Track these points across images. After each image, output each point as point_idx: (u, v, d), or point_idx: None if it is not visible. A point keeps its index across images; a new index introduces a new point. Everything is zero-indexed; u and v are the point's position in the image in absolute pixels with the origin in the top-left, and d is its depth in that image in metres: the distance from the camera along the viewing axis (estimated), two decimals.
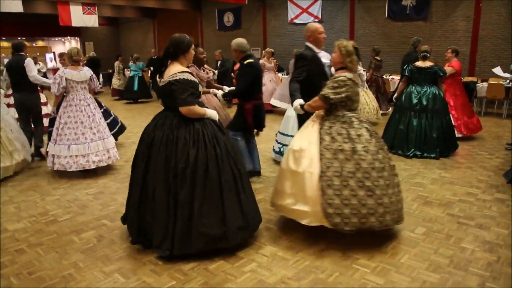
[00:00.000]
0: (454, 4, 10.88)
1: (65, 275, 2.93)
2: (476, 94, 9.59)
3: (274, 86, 9.78)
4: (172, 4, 16.20)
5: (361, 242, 3.34)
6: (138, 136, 3.34)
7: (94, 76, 5.43)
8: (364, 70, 8.57)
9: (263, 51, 10.72)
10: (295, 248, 3.27)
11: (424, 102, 5.90)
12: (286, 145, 5.26)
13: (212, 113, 3.24)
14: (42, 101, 7.43)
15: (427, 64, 5.98)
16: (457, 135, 6.44)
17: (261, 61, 10.09)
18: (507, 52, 10.19)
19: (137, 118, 9.82)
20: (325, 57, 4.06)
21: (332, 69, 3.73)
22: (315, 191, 3.14)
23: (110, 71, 15.92)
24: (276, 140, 5.72)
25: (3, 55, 13.13)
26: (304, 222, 3.27)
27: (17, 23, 18.30)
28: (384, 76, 10.26)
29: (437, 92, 5.93)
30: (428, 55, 6.01)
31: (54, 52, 20.90)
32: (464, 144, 6.57)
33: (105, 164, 5.26)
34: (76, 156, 5.04)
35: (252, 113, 4.62)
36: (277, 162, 5.44)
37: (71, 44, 22.80)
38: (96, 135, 5.19)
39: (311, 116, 3.54)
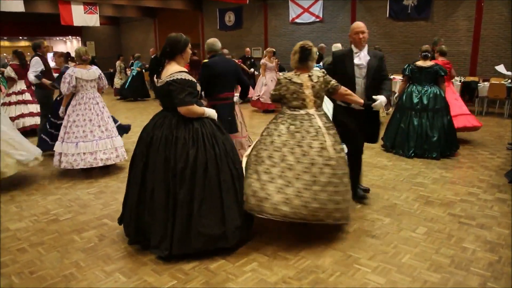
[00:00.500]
0: (456, 3, 10.86)
1: (66, 274, 2.94)
2: (477, 94, 9.57)
3: None
4: (173, 4, 16.22)
5: (362, 242, 3.34)
6: None
7: (103, 75, 5.46)
8: None
9: (264, 51, 10.72)
10: (296, 248, 3.27)
11: (425, 102, 5.90)
12: None
13: (211, 112, 3.24)
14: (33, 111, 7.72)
15: (428, 63, 5.98)
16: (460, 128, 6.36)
17: (262, 61, 10.10)
18: (508, 51, 10.16)
19: (138, 118, 9.82)
20: (361, 58, 3.92)
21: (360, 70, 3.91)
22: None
23: (112, 70, 15.94)
24: None
25: (4, 54, 13.13)
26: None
27: (18, 22, 18.34)
28: None
29: (437, 92, 5.92)
30: (429, 54, 6.01)
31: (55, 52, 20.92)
32: (465, 144, 6.56)
33: (113, 162, 5.26)
34: (84, 153, 5.05)
35: None
36: None
37: (72, 43, 22.83)
38: (104, 133, 5.21)
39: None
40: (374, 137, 4.22)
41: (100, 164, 5.13)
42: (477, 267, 2.96)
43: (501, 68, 8.81)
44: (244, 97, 4.89)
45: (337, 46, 7.78)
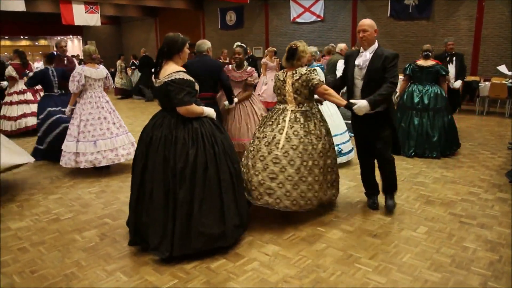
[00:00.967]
0: (457, 3, 10.85)
1: (67, 273, 2.94)
2: (478, 93, 9.56)
3: None
4: (174, 3, 16.23)
5: (362, 241, 3.35)
6: None
7: (109, 74, 5.52)
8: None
9: (266, 50, 10.72)
10: (297, 247, 3.27)
11: (426, 101, 5.89)
12: None
13: (209, 111, 3.23)
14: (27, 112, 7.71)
15: (429, 63, 5.98)
16: None
17: (263, 60, 10.08)
18: (509, 51, 10.15)
19: (139, 117, 9.84)
20: (362, 58, 3.73)
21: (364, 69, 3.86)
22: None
23: (113, 70, 15.96)
24: None
25: (5, 53, 13.15)
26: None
27: (19, 22, 18.37)
28: None
29: (438, 91, 5.92)
30: (430, 54, 6.00)
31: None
32: (466, 143, 6.56)
33: (132, 157, 5.26)
34: (105, 151, 5.12)
35: None
36: None
37: (73, 43, 22.86)
38: (120, 130, 5.33)
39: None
40: (396, 146, 3.99)
41: (122, 160, 5.26)
42: (477, 267, 2.96)
43: (503, 68, 8.81)
44: (230, 100, 4.84)
45: (340, 46, 7.82)
